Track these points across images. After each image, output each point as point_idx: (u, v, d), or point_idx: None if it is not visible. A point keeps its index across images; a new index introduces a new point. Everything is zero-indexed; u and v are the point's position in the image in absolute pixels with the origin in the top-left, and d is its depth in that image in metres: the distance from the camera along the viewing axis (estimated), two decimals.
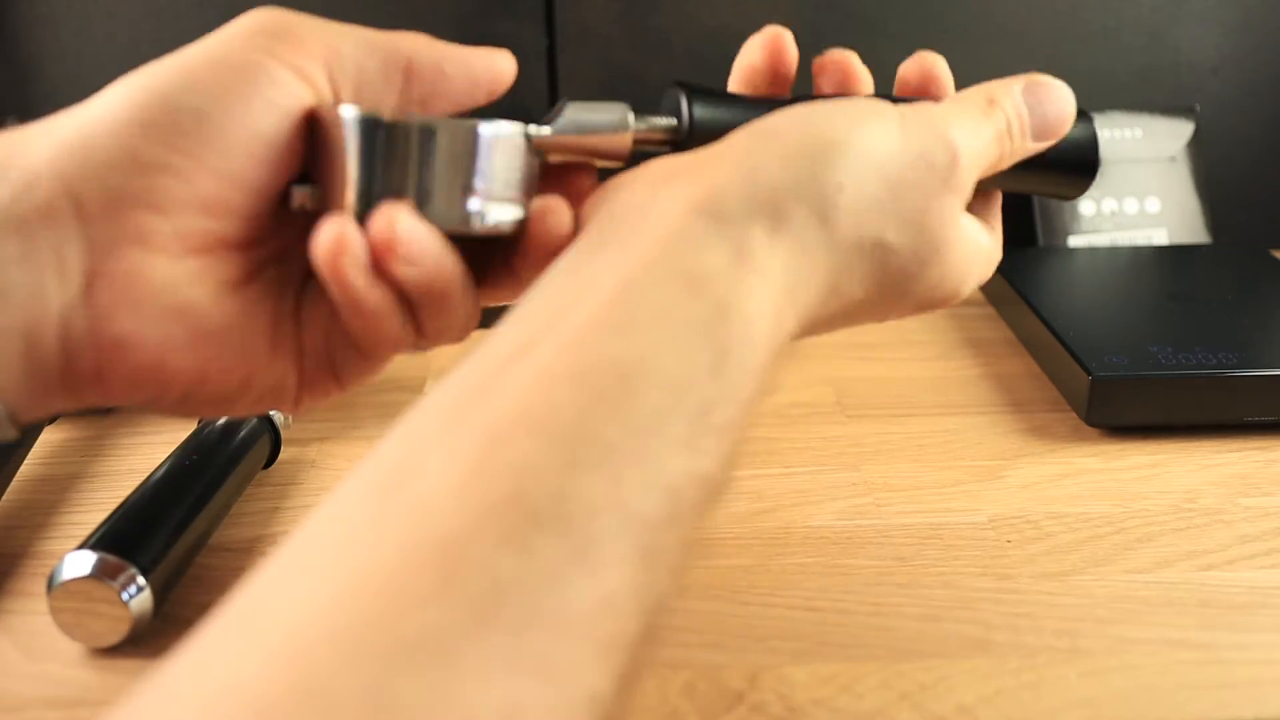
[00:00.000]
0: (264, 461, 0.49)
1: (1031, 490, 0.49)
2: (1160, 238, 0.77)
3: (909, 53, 0.38)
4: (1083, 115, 0.39)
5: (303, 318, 0.32)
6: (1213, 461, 0.51)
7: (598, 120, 0.34)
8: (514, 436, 0.23)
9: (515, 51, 0.33)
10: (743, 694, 0.36)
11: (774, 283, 0.28)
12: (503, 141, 0.31)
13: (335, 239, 0.28)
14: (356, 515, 0.23)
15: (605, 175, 0.34)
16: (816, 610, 0.40)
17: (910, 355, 0.64)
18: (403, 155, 0.29)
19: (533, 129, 0.32)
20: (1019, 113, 0.35)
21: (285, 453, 0.51)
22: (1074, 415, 0.55)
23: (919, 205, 0.32)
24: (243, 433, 0.47)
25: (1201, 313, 0.60)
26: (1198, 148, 0.78)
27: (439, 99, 0.32)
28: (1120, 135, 0.78)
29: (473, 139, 0.30)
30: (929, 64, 0.37)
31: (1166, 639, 0.39)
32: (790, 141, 0.30)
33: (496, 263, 0.33)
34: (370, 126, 0.29)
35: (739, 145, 0.31)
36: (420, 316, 0.31)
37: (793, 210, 0.29)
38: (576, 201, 0.32)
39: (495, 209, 0.31)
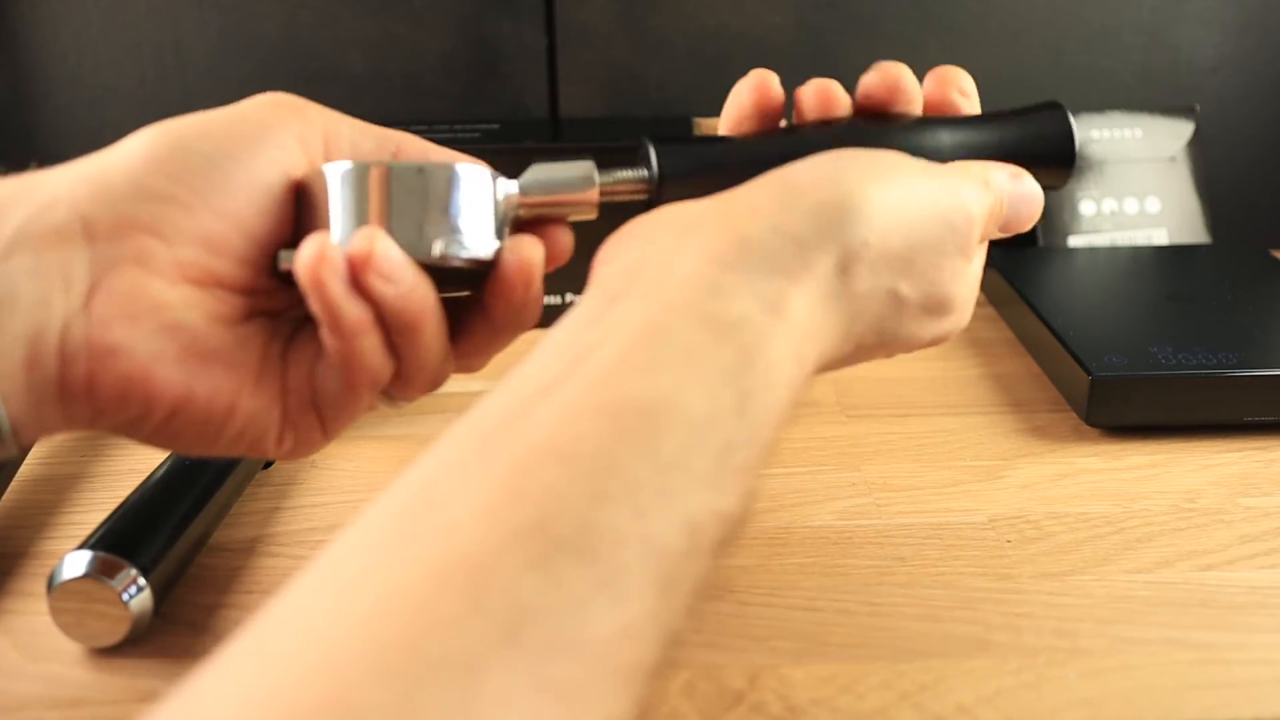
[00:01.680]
0: (264, 461, 0.49)
1: (1031, 490, 0.49)
2: (1160, 238, 0.77)
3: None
4: (1057, 108, 0.40)
5: (289, 362, 0.33)
6: (1213, 461, 0.51)
7: (563, 178, 0.35)
8: (541, 466, 0.24)
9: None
10: (743, 694, 0.36)
11: (797, 331, 0.30)
12: (472, 180, 0.33)
13: (316, 252, 0.30)
14: (385, 536, 0.23)
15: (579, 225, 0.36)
16: (816, 610, 0.40)
17: (910, 355, 0.64)
18: (378, 195, 0.32)
19: (500, 182, 0.34)
20: (1003, 200, 0.37)
21: None
22: (1074, 415, 0.55)
23: (935, 263, 0.33)
24: None
25: (1201, 313, 0.60)
26: (1198, 148, 0.78)
27: None
28: (1120, 135, 0.78)
29: (444, 178, 0.32)
30: (893, 75, 0.38)
31: (1166, 639, 0.39)
32: (817, 196, 0.31)
33: (472, 314, 0.35)
34: (345, 173, 0.32)
35: (763, 196, 0.32)
36: (397, 344, 0.32)
37: (818, 263, 0.30)
38: (551, 253, 0.35)
39: (468, 243, 0.32)
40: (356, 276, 0.30)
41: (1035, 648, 0.38)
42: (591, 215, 0.36)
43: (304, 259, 0.30)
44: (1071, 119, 0.40)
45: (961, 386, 0.60)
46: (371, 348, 0.31)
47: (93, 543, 0.38)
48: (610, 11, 0.75)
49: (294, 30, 0.74)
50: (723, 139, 0.39)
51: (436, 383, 0.34)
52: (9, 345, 0.28)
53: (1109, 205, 0.77)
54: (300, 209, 0.32)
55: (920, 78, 0.39)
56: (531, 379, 0.27)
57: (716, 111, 0.73)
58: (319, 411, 0.34)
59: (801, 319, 0.30)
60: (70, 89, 0.75)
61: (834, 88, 0.38)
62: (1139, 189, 0.78)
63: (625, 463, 0.24)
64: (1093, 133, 0.78)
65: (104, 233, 0.29)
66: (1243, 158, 0.81)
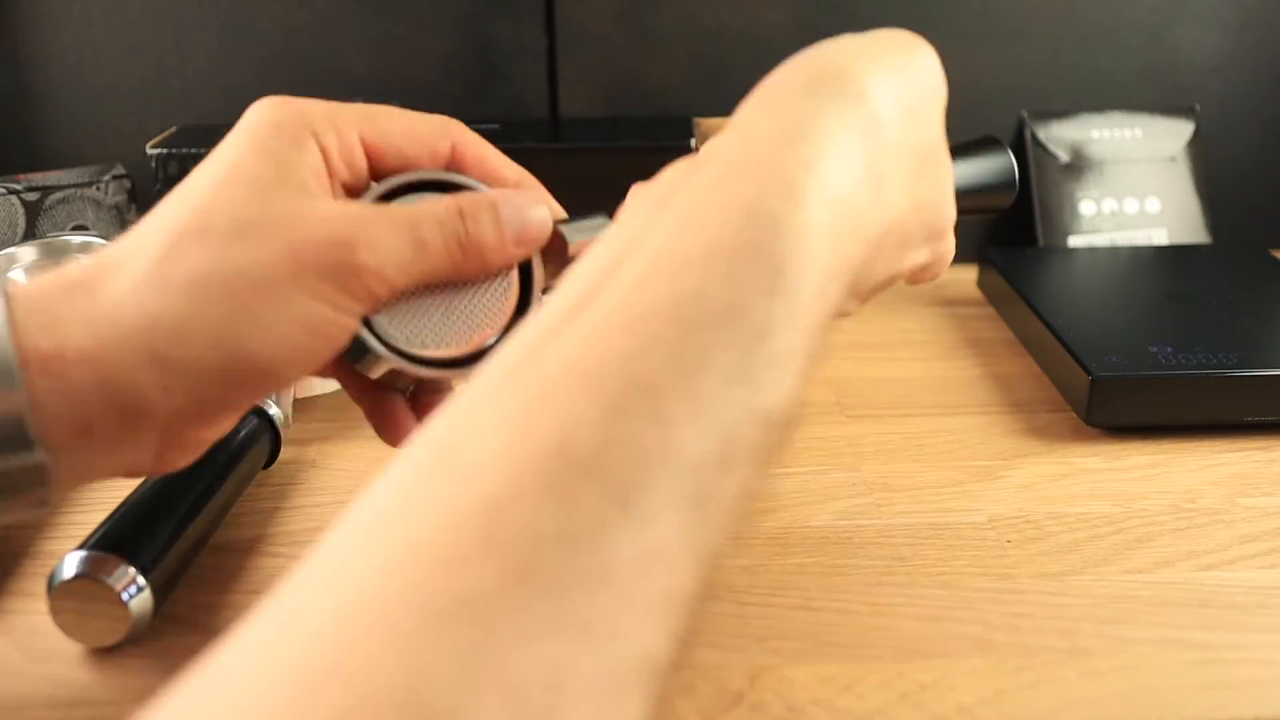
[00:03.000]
0: (264, 461, 0.49)
1: (1031, 490, 0.49)
2: (1160, 238, 0.77)
3: None
4: (995, 143, 0.43)
5: None
6: (1213, 461, 0.51)
7: (587, 232, 0.38)
8: (560, 390, 0.22)
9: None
10: (743, 694, 0.36)
11: (827, 192, 0.28)
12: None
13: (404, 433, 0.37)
14: (407, 486, 0.22)
15: None
16: (816, 610, 0.40)
17: (910, 355, 0.64)
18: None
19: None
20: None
21: (285, 453, 0.51)
22: (1074, 415, 0.55)
23: (934, 115, 0.34)
24: (243, 433, 0.47)
25: (1201, 313, 0.60)
26: (1198, 148, 0.78)
27: None
28: (1120, 135, 0.78)
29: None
30: None
31: (1166, 639, 0.39)
32: (808, 70, 0.31)
33: None
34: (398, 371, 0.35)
35: (752, 102, 0.31)
36: None
37: (830, 125, 0.30)
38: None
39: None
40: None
41: (1035, 648, 0.38)
42: None
43: (397, 437, 0.38)
44: (1010, 156, 0.43)
45: (961, 386, 0.60)
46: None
47: (93, 543, 0.38)
48: (610, 11, 0.74)
49: (294, 30, 0.74)
50: None
51: None
52: (77, 482, 0.31)
53: (1109, 205, 0.77)
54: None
55: None
56: (559, 306, 0.26)
57: (716, 111, 0.73)
58: None
59: (830, 180, 0.28)
60: (70, 89, 0.75)
61: None
62: (1139, 189, 0.78)
63: (645, 369, 0.23)
64: (1093, 133, 0.78)
65: (173, 424, 0.31)
66: (1243, 158, 0.81)
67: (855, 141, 0.30)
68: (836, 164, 0.29)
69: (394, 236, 0.32)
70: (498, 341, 0.36)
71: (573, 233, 0.38)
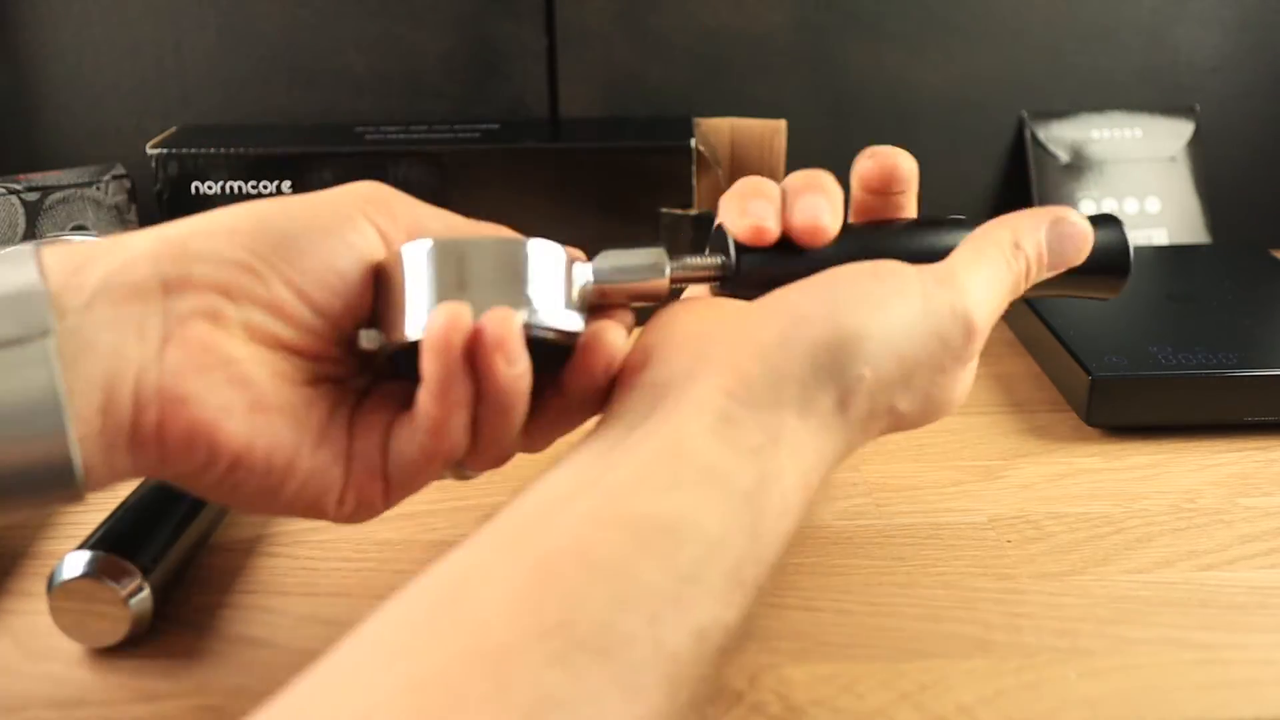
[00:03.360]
0: None
1: (1031, 490, 0.49)
2: (1160, 238, 0.77)
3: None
4: (1112, 221, 0.41)
5: (357, 427, 0.34)
6: (1213, 461, 0.51)
7: (634, 265, 0.35)
8: (564, 569, 0.26)
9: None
10: (743, 694, 0.36)
11: (806, 460, 0.32)
12: (552, 255, 0.33)
13: (450, 320, 0.31)
14: (416, 622, 0.25)
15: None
16: (816, 610, 0.40)
17: None
18: (466, 270, 0.32)
19: (575, 264, 0.35)
20: (1040, 252, 0.38)
21: None
22: (1074, 415, 0.55)
23: (930, 379, 0.35)
24: None
25: (1201, 313, 0.60)
26: (1198, 148, 0.78)
27: None
28: (1120, 135, 0.78)
29: (526, 253, 0.33)
30: (889, 163, 0.39)
31: (1166, 639, 0.39)
32: (815, 334, 0.33)
33: (546, 394, 0.35)
34: (430, 249, 0.32)
35: (769, 329, 0.33)
36: (483, 421, 0.33)
37: (818, 400, 0.33)
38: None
39: (558, 316, 0.33)
40: (483, 352, 0.31)
41: (1035, 648, 0.38)
42: (658, 301, 0.36)
43: (438, 324, 0.31)
44: (1126, 232, 0.41)
45: None
46: (463, 422, 0.32)
47: (93, 542, 0.38)
48: (610, 11, 0.74)
49: (294, 30, 0.74)
50: (795, 246, 0.38)
51: (504, 460, 0.35)
52: (86, 390, 0.29)
53: (1109, 205, 0.77)
54: (378, 291, 0.33)
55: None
56: (555, 489, 0.29)
57: (716, 111, 0.73)
58: (386, 478, 0.34)
59: (807, 449, 0.32)
60: (70, 89, 0.75)
61: (898, 164, 0.39)
62: (1139, 189, 0.78)
63: (643, 572, 0.27)
64: (1093, 133, 0.78)
65: (177, 289, 0.31)
66: (1243, 158, 0.81)
67: (839, 417, 0.33)
68: (821, 435, 0.33)
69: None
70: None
71: (617, 258, 0.35)
